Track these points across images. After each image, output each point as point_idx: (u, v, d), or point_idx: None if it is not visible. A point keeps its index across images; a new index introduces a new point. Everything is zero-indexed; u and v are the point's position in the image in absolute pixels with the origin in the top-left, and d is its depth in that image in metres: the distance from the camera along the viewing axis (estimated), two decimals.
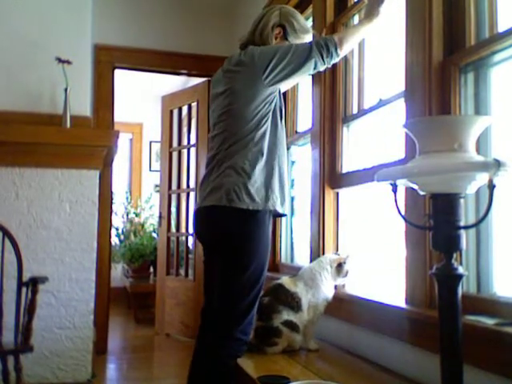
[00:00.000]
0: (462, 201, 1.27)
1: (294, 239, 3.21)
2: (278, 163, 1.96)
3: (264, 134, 1.92)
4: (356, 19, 2.53)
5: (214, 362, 1.89)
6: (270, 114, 1.94)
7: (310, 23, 2.93)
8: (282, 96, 2.03)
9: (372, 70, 2.44)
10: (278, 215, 2.04)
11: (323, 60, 1.91)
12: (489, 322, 1.49)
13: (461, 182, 1.24)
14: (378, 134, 2.36)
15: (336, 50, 1.91)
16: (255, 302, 1.91)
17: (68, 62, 3.15)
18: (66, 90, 3.16)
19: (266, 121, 1.93)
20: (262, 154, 1.91)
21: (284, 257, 3.26)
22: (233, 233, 1.89)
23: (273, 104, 1.95)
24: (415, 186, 1.33)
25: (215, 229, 1.95)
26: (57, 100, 3.22)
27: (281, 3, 3.18)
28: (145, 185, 6.81)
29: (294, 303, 2.11)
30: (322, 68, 1.96)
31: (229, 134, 1.94)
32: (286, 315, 2.09)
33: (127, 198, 6.40)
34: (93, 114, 3.73)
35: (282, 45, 1.99)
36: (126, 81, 5.27)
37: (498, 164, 1.15)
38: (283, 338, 2.09)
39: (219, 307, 1.92)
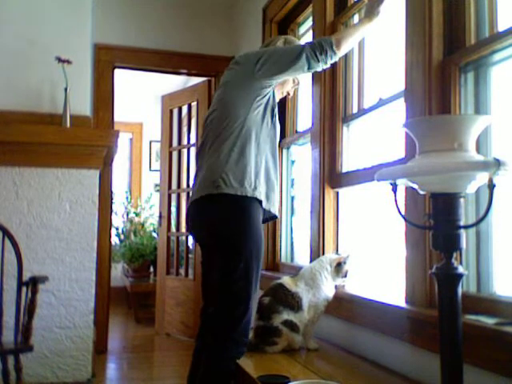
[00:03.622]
0: (461, 200, 1.27)
1: (294, 239, 3.21)
2: (265, 159, 1.96)
3: (253, 127, 1.93)
4: (356, 19, 2.53)
5: (214, 363, 1.89)
6: (261, 109, 1.95)
7: (309, 23, 2.94)
8: (276, 98, 2.04)
9: (372, 70, 2.44)
10: (269, 218, 2.05)
11: (317, 57, 1.91)
12: (489, 321, 1.49)
13: (461, 181, 1.24)
14: (377, 134, 2.35)
15: (332, 48, 1.91)
16: (249, 299, 1.89)
17: (68, 62, 3.15)
18: (65, 89, 3.16)
19: (257, 115, 1.94)
20: (250, 145, 1.91)
21: (284, 257, 3.25)
22: (222, 218, 1.88)
23: (265, 99, 1.96)
24: (415, 186, 1.33)
25: (205, 217, 1.94)
26: (57, 100, 3.22)
27: (280, 3, 3.19)
28: (145, 184, 6.81)
29: (294, 303, 2.11)
30: (317, 66, 1.95)
31: (218, 122, 1.96)
32: (286, 315, 2.09)
33: (127, 198, 6.40)
34: (93, 114, 3.73)
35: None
36: (125, 80, 5.27)
37: (498, 163, 1.15)
38: (283, 338, 2.09)
39: (218, 308, 1.91)
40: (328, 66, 1.98)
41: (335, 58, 1.96)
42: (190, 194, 2.06)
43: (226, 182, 1.85)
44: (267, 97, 1.97)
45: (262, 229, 1.94)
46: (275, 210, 2.01)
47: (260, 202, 1.91)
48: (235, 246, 1.87)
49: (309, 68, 1.94)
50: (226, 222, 1.88)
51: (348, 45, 1.97)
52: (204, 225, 1.96)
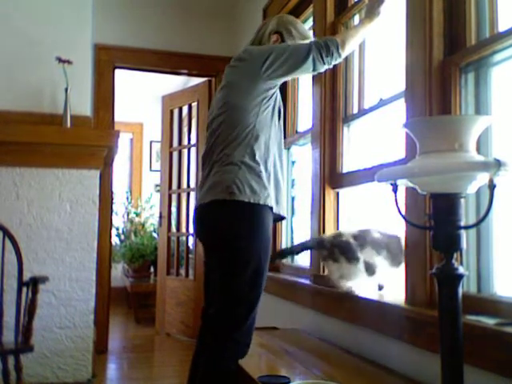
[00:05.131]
0: (462, 201, 1.27)
1: (294, 239, 3.21)
2: (274, 162, 1.95)
3: (263, 130, 1.92)
4: (356, 19, 2.53)
5: (214, 363, 1.88)
6: (270, 110, 1.94)
7: (310, 23, 2.94)
8: (281, 98, 2.04)
9: (372, 70, 2.44)
10: (278, 219, 2.05)
11: (323, 59, 1.90)
12: (489, 321, 1.49)
13: (461, 181, 1.24)
14: (378, 134, 2.35)
15: (338, 50, 1.91)
16: (256, 302, 1.90)
17: (68, 62, 3.16)
18: (66, 89, 3.17)
19: (266, 116, 1.93)
20: (261, 149, 1.90)
21: None
22: (234, 224, 1.87)
23: (271, 100, 1.95)
24: (416, 186, 1.33)
25: (214, 222, 1.93)
26: (57, 100, 3.22)
27: (281, 3, 3.19)
28: (145, 184, 6.81)
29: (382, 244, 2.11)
30: (322, 68, 1.95)
31: (229, 127, 1.93)
32: (370, 257, 2.08)
33: (127, 198, 6.40)
34: (93, 114, 3.73)
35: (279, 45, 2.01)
36: (126, 80, 5.27)
37: (498, 164, 1.15)
38: (352, 271, 2.09)
39: (219, 308, 1.91)
40: (330, 67, 1.98)
41: (339, 60, 1.96)
42: (198, 196, 2.05)
43: (239, 188, 1.84)
44: (273, 97, 1.96)
45: (270, 234, 1.94)
46: (283, 212, 2.01)
47: (271, 207, 1.92)
48: (245, 252, 1.86)
49: (314, 69, 1.94)
50: (237, 227, 1.87)
51: (351, 46, 1.97)
52: (213, 229, 1.95)
